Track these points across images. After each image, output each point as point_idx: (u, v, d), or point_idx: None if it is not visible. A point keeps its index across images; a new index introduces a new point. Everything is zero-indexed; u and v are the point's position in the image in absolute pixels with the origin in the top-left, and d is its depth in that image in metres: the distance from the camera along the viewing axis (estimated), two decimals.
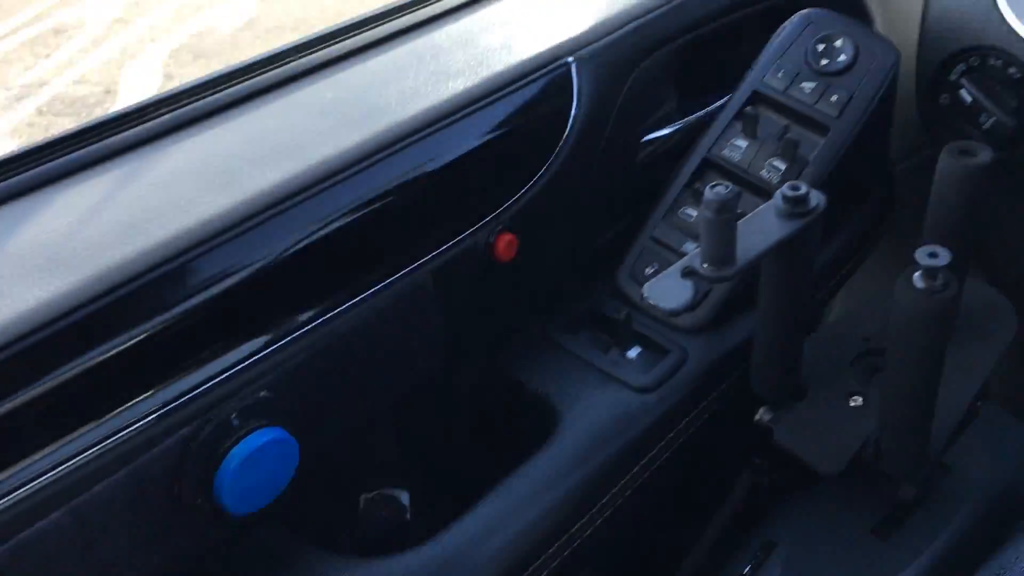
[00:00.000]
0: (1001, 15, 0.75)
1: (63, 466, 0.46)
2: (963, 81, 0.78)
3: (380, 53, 0.64)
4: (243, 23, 2.79)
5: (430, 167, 0.60)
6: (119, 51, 2.78)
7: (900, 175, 0.85)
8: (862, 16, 0.82)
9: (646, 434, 0.65)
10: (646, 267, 0.71)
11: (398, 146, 0.58)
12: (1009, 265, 0.93)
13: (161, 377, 0.50)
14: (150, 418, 0.49)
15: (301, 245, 0.55)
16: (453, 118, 0.61)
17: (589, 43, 0.68)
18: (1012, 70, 0.76)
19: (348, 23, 0.66)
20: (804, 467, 0.65)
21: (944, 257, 0.54)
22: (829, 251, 0.76)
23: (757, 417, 0.68)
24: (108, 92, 2.56)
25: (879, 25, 0.81)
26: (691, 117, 0.76)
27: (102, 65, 2.71)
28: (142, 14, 2.93)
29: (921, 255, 0.54)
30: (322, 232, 0.55)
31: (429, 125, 0.60)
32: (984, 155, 0.60)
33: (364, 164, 0.57)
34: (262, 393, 0.53)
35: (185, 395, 0.50)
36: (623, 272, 0.72)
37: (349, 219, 0.56)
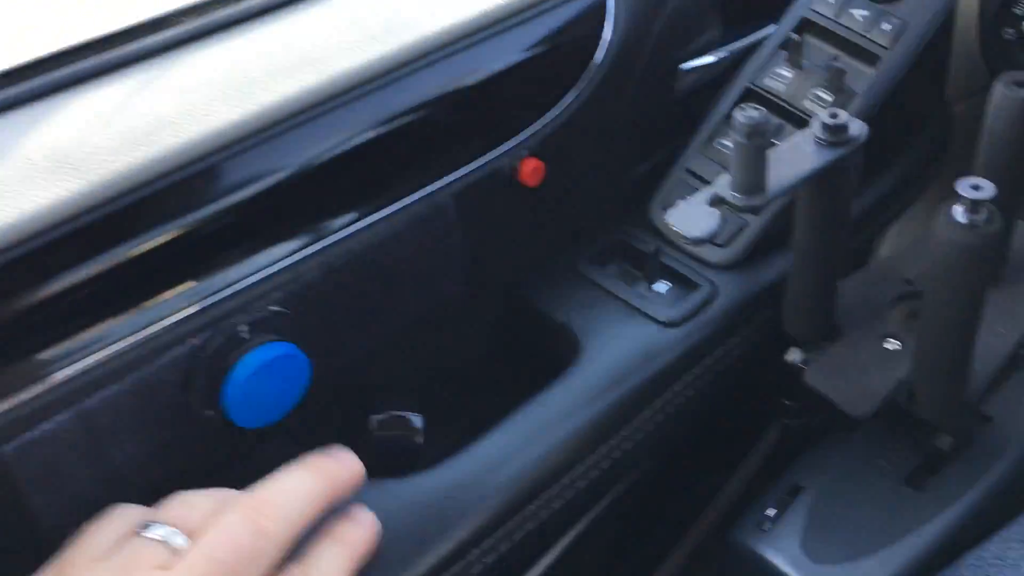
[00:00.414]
0: None
1: (70, 367, 0.46)
2: None
3: None
4: None
5: (454, 85, 0.58)
6: None
7: (961, 114, 0.81)
8: None
9: (669, 369, 0.63)
10: (679, 200, 0.69)
11: (421, 62, 0.57)
12: None
13: (170, 285, 0.49)
14: (159, 325, 0.49)
15: (319, 159, 0.54)
16: (480, 36, 0.59)
17: None
18: None
19: None
20: (835, 410, 0.62)
21: (988, 190, 0.51)
22: (877, 188, 0.73)
23: (788, 358, 0.66)
24: None
25: None
26: (736, 45, 0.73)
27: None
28: None
29: (963, 186, 0.51)
30: (341, 147, 0.54)
31: (455, 42, 0.58)
32: None
33: (386, 79, 0.56)
34: (274, 308, 0.52)
35: (195, 304, 0.50)
36: (655, 204, 0.70)
37: (369, 135, 0.55)
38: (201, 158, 0.50)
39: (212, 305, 0.50)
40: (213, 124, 0.50)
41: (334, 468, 0.47)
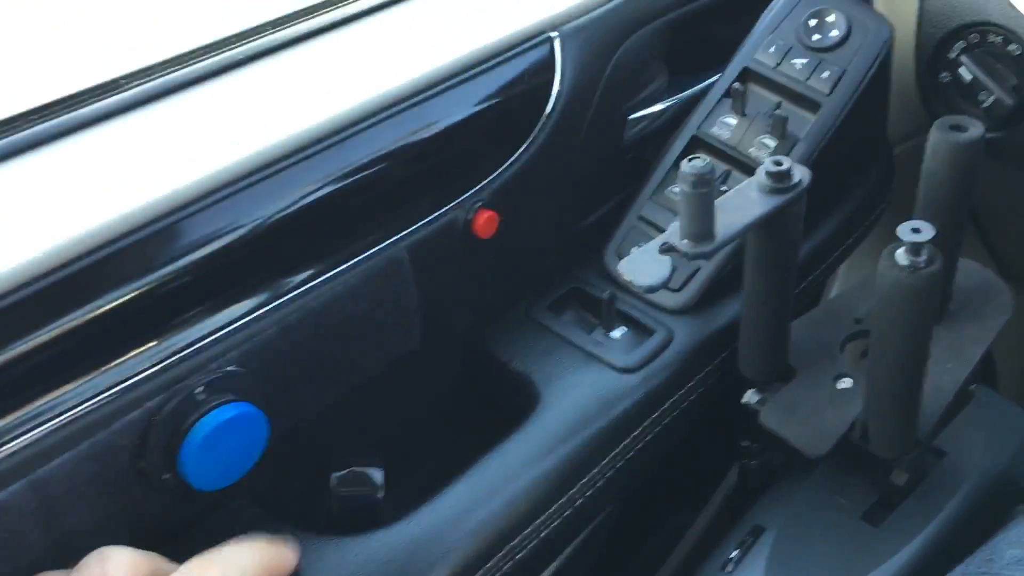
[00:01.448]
0: None
1: (22, 438, 0.46)
2: (962, 59, 0.76)
3: (356, 25, 0.64)
4: None
5: (407, 141, 0.59)
6: None
7: (902, 156, 0.84)
8: None
9: (628, 415, 0.63)
10: (632, 247, 0.70)
11: (373, 120, 0.57)
12: (1011, 250, 0.91)
13: (124, 349, 0.49)
14: (112, 391, 0.48)
15: (273, 218, 0.54)
16: (431, 92, 0.60)
17: (574, 17, 0.66)
18: (1012, 47, 0.74)
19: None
20: (792, 450, 0.63)
21: (928, 232, 0.52)
22: (824, 230, 0.75)
23: (744, 399, 0.67)
24: None
25: (879, 1, 0.79)
26: (681, 95, 0.75)
27: None
28: None
29: (904, 230, 0.53)
30: (294, 205, 0.55)
31: (406, 99, 0.59)
32: (975, 130, 0.59)
33: (339, 137, 0.56)
34: (230, 367, 0.52)
35: (149, 368, 0.50)
36: (609, 252, 0.71)
37: (322, 192, 0.56)
38: (154, 220, 0.50)
39: (167, 368, 0.50)
40: (165, 186, 0.50)
41: (273, 553, 0.47)
